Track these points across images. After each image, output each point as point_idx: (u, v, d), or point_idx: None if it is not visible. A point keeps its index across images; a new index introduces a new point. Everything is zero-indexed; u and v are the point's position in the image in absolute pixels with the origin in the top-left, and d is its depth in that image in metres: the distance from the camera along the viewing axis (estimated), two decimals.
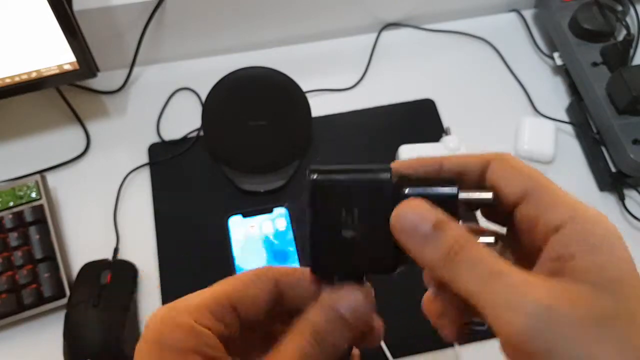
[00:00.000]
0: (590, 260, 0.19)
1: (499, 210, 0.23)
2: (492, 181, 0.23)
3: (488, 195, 0.22)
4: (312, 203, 0.23)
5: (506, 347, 0.19)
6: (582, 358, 0.18)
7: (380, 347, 0.50)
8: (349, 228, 0.23)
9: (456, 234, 0.21)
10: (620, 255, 0.19)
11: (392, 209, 0.22)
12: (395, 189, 0.22)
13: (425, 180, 0.23)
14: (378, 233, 0.22)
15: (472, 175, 0.23)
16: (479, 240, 0.21)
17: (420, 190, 0.22)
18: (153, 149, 0.61)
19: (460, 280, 0.20)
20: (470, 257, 0.20)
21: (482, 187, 0.23)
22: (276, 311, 0.24)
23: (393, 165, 0.23)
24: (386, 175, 0.22)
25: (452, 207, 0.22)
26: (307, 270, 0.24)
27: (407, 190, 0.22)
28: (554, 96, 0.65)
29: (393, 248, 0.22)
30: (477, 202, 0.23)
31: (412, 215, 0.21)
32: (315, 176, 0.23)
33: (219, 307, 0.22)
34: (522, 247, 0.22)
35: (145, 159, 0.60)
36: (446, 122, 0.63)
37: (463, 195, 0.22)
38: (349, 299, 0.22)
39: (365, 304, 0.22)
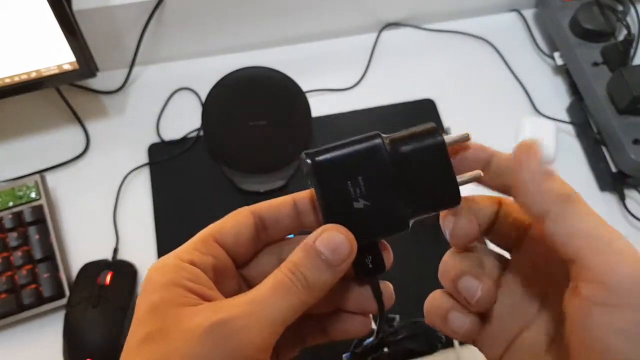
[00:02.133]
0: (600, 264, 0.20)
1: (505, 234, 0.25)
2: (520, 197, 0.23)
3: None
4: (318, 184, 0.23)
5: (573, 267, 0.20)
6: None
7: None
8: (358, 198, 0.23)
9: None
10: (632, 256, 0.20)
11: (393, 168, 0.23)
12: (391, 149, 0.24)
13: (412, 136, 0.24)
14: (386, 194, 0.23)
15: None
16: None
17: (413, 145, 0.24)
18: (153, 149, 0.61)
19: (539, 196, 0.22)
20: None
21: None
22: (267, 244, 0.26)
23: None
24: (378, 140, 0.24)
25: (444, 155, 0.24)
26: (286, 198, 0.25)
27: (402, 148, 0.24)
28: (555, 96, 0.65)
29: (402, 206, 0.24)
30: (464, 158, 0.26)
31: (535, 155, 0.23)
32: (312, 159, 0.24)
33: (203, 243, 0.24)
34: (534, 269, 0.24)
35: (145, 159, 0.60)
36: (446, 122, 0.63)
37: (448, 140, 0.25)
38: (330, 239, 0.23)
39: (346, 246, 0.23)
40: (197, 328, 0.20)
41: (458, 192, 0.24)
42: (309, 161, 0.24)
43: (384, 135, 0.24)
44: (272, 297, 0.22)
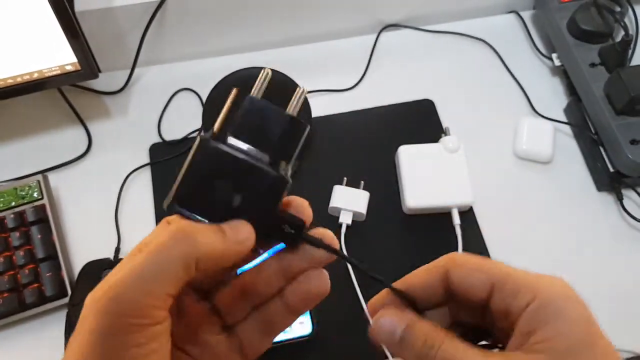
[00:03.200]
0: (546, 331, 0.22)
1: (473, 307, 0.25)
2: (458, 288, 0.25)
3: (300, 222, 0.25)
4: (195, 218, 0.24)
5: None
6: None
7: (381, 346, 0.50)
8: (223, 185, 0.24)
9: (425, 332, 0.23)
10: (576, 322, 0.22)
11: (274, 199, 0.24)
12: (278, 183, 0.24)
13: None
14: (252, 204, 0.24)
15: (437, 289, 0.26)
16: None
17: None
18: (154, 149, 0.61)
19: None
20: (439, 356, 0.23)
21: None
22: None
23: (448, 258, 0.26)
24: (273, 174, 0.24)
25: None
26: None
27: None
28: (553, 97, 0.66)
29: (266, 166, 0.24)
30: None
31: (387, 322, 0.24)
32: (173, 207, 0.24)
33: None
34: (504, 335, 0.24)
35: (146, 159, 0.61)
36: (445, 122, 0.63)
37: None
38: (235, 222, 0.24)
39: (247, 228, 0.23)
40: (85, 306, 0.22)
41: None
42: (174, 208, 0.24)
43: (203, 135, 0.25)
44: (143, 257, 0.21)
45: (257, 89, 0.26)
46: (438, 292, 0.26)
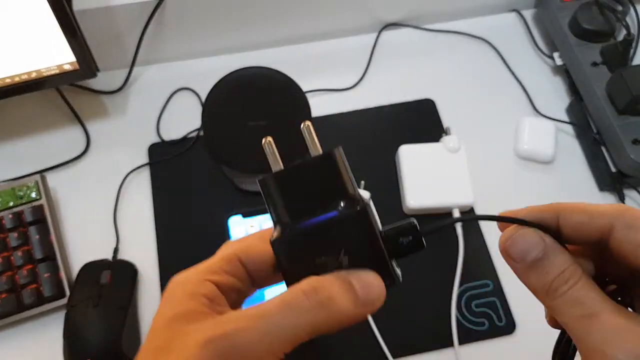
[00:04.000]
0: None
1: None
2: (571, 226, 0.22)
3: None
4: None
5: None
6: None
7: (380, 347, 0.50)
8: (323, 260, 0.23)
9: (562, 267, 0.21)
10: None
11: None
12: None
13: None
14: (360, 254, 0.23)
15: (564, 221, 0.23)
16: None
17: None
18: (153, 149, 0.61)
19: (560, 313, 0.21)
20: (569, 294, 0.21)
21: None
22: None
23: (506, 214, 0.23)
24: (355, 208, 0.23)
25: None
26: None
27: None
28: (554, 96, 0.65)
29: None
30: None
31: (522, 240, 0.22)
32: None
33: (228, 263, 0.24)
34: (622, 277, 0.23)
35: (145, 159, 0.60)
36: (446, 122, 0.63)
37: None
38: (363, 276, 0.23)
39: (380, 288, 0.23)
40: (196, 343, 0.20)
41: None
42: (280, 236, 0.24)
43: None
44: (277, 311, 0.21)
45: (273, 162, 0.25)
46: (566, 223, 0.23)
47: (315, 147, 0.25)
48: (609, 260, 0.23)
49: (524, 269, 0.22)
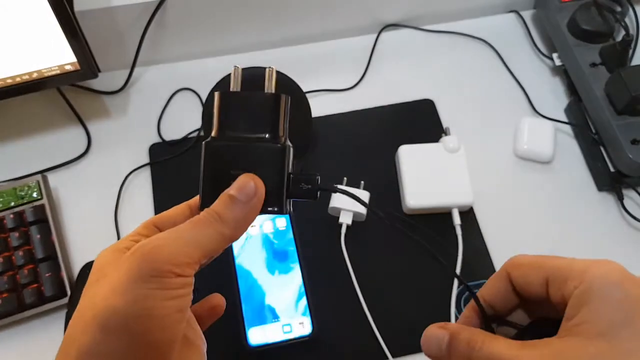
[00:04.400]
0: (583, 314, 0.22)
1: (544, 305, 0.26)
2: (520, 288, 0.26)
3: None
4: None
5: None
6: None
7: (380, 346, 0.50)
8: (239, 173, 0.28)
9: (467, 337, 0.25)
10: (613, 302, 0.22)
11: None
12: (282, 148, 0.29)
13: None
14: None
15: (503, 291, 0.27)
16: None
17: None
18: (154, 149, 0.61)
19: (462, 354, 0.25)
20: (481, 356, 0.24)
21: None
22: None
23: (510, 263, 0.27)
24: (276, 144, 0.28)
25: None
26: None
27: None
28: (553, 96, 0.66)
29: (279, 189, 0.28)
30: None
31: (432, 339, 0.26)
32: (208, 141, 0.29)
33: (144, 228, 0.30)
34: None
35: (146, 158, 0.60)
36: (445, 122, 0.63)
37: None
38: (238, 183, 0.28)
39: (250, 185, 0.28)
40: (125, 258, 0.25)
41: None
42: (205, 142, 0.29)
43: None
44: (185, 226, 0.27)
45: (234, 84, 0.30)
46: (510, 296, 0.27)
47: (270, 88, 0.30)
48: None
49: (445, 358, 0.26)
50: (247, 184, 0.27)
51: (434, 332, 0.26)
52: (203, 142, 0.29)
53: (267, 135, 0.28)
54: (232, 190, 0.27)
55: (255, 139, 0.28)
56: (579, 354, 0.21)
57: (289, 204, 0.29)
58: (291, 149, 0.29)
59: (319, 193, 0.29)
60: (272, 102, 0.29)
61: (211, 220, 0.27)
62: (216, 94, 0.29)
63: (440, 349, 0.26)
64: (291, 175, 0.29)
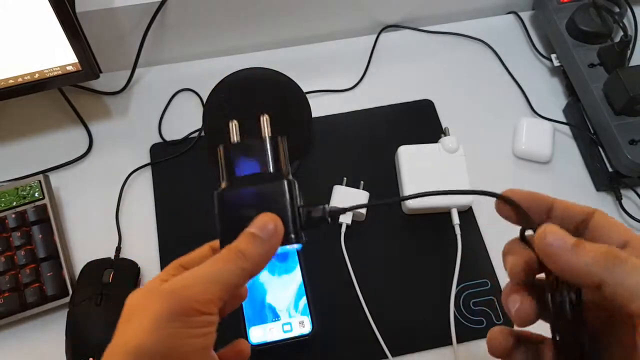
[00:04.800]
0: None
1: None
2: (597, 229, 0.27)
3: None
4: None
5: None
6: None
7: (380, 345, 0.51)
8: (254, 215, 0.30)
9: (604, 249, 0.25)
10: None
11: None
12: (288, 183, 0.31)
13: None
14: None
15: (576, 218, 0.28)
16: None
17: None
18: (155, 149, 0.61)
19: (623, 279, 0.23)
20: (629, 261, 0.24)
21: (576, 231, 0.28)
22: None
23: (507, 192, 0.30)
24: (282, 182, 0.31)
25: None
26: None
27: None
28: (552, 97, 0.66)
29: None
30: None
31: (558, 231, 0.26)
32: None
33: (172, 268, 0.31)
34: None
35: (147, 159, 0.61)
36: (445, 122, 0.63)
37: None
38: (258, 221, 0.29)
39: (271, 223, 0.29)
40: (154, 297, 0.27)
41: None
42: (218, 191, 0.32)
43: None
44: (209, 265, 0.28)
45: (234, 136, 0.33)
46: (572, 222, 0.28)
47: (267, 133, 0.33)
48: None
49: (567, 251, 0.25)
50: (267, 222, 0.29)
51: (558, 231, 0.26)
52: (215, 192, 0.31)
53: (272, 175, 0.31)
54: (253, 228, 0.29)
55: (262, 181, 0.31)
56: None
57: (303, 232, 0.31)
58: (296, 183, 0.31)
59: (329, 218, 0.31)
60: (271, 145, 0.32)
61: (233, 257, 0.28)
62: (219, 148, 0.32)
63: (565, 242, 0.25)
64: (301, 208, 0.31)
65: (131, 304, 0.28)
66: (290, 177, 0.31)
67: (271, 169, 0.31)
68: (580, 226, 0.28)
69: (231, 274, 0.28)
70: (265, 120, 0.33)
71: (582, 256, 0.24)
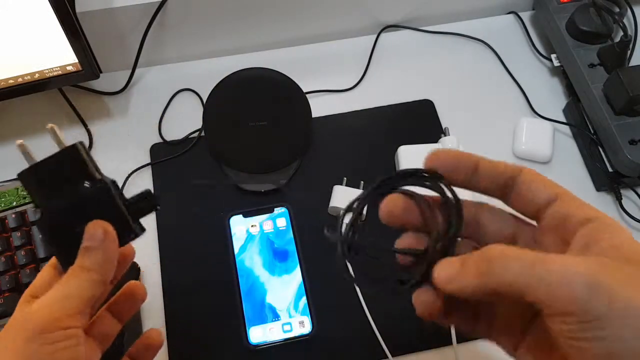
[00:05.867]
0: (611, 243, 0.23)
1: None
2: (525, 184, 0.27)
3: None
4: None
5: (568, 321, 0.22)
6: (637, 305, 0.21)
7: (380, 346, 0.51)
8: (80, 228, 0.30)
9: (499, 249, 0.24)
10: (632, 241, 0.24)
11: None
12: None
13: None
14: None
15: (504, 176, 0.27)
16: None
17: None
18: (155, 149, 0.61)
19: (503, 278, 0.23)
20: (508, 255, 0.23)
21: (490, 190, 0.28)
22: None
23: (430, 156, 0.30)
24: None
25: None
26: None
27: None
28: (552, 97, 0.66)
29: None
30: None
31: (446, 268, 0.25)
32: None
33: (27, 302, 0.31)
34: (545, 244, 0.27)
35: (147, 159, 0.61)
36: (445, 122, 0.63)
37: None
38: (87, 231, 0.30)
39: (98, 229, 0.30)
40: (12, 326, 0.29)
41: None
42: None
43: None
44: (59, 285, 0.30)
45: (28, 160, 0.32)
46: (499, 179, 0.28)
47: (61, 144, 0.32)
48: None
49: (458, 280, 0.25)
50: (95, 230, 0.30)
51: (446, 265, 0.26)
52: (36, 224, 0.32)
53: (86, 184, 0.30)
54: (85, 242, 0.30)
55: (77, 192, 0.30)
56: (617, 270, 0.22)
57: (138, 224, 0.32)
58: (114, 183, 0.31)
59: (157, 201, 0.32)
60: (70, 155, 0.31)
61: (77, 272, 0.30)
62: (19, 178, 0.31)
63: (449, 277, 0.25)
64: (127, 203, 0.31)
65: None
66: (105, 178, 0.31)
67: (82, 178, 0.30)
68: (509, 183, 0.27)
69: (82, 288, 0.29)
70: (52, 130, 0.32)
71: (466, 279, 0.24)
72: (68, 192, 0.30)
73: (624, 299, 0.21)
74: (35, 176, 0.31)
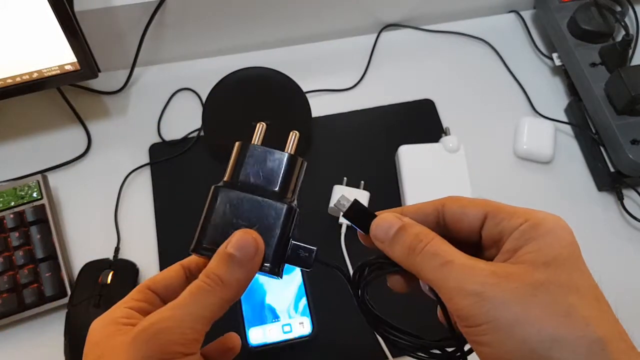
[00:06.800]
0: (530, 247, 0.23)
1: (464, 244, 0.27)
2: (454, 215, 0.27)
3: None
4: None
5: (460, 322, 0.24)
6: (517, 319, 0.22)
7: (380, 346, 0.50)
8: (240, 224, 0.28)
9: (417, 231, 0.26)
10: (561, 240, 0.24)
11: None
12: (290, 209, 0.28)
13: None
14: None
15: (432, 218, 0.27)
16: None
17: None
18: (154, 149, 0.61)
19: (422, 270, 0.25)
20: (426, 250, 0.25)
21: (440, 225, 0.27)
22: None
23: (367, 239, 0.28)
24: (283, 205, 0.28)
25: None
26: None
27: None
28: (553, 96, 0.66)
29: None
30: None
31: (383, 222, 0.27)
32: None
33: (138, 292, 0.28)
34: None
35: (146, 158, 0.61)
36: (445, 122, 0.63)
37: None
38: (238, 240, 0.26)
39: (252, 244, 0.26)
40: (124, 341, 0.24)
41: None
42: (197, 252, 0.29)
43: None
44: (189, 299, 0.25)
45: (257, 138, 0.30)
46: (430, 220, 0.27)
47: (291, 150, 0.30)
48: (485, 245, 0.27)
49: (390, 244, 0.26)
50: (248, 242, 0.26)
51: (388, 218, 0.27)
52: (213, 186, 0.29)
53: (276, 193, 0.28)
54: (231, 248, 0.26)
55: (264, 193, 0.28)
56: (526, 276, 0.23)
57: (281, 268, 0.28)
58: (297, 212, 0.28)
59: (313, 264, 0.29)
60: (288, 162, 0.29)
61: (214, 287, 0.26)
62: (237, 144, 0.30)
63: (387, 235, 0.26)
64: (291, 241, 0.28)
65: (95, 337, 0.26)
66: (294, 204, 0.29)
67: (278, 186, 0.28)
68: (440, 221, 0.27)
69: (213, 307, 0.25)
70: (294, 137, 0.30)
71: (396, 250, 0.26)
72: (257, 186, 0.28)
73: (510, 312, 0.22)
74: (247, 152, 0.29)
